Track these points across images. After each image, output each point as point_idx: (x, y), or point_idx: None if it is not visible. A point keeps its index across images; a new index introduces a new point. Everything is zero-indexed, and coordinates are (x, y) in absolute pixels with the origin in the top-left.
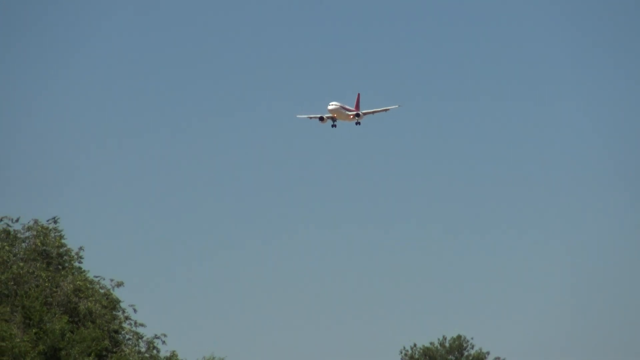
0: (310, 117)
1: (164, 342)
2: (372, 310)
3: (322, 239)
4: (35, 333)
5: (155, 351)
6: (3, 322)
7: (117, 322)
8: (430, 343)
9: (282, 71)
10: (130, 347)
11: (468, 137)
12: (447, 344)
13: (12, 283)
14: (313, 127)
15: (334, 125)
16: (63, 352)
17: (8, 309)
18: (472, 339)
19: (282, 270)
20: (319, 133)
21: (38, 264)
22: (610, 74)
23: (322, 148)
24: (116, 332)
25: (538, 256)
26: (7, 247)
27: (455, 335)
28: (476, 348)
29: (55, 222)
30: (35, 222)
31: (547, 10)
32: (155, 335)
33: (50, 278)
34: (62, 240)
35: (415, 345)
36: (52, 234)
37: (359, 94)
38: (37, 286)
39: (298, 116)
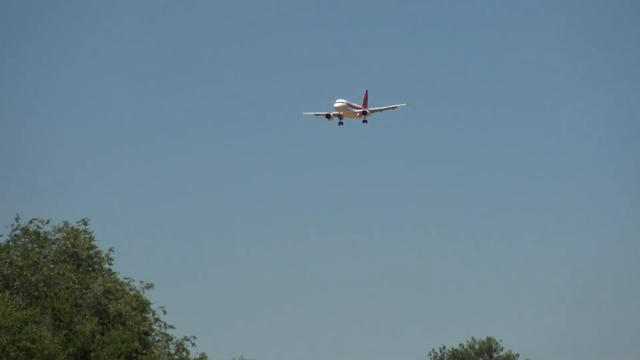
0: (317, 115)
1: (193, 344)
2: (399, 314)
3: (347, 242)
4: (65, 335)
5: (184, 353)
6: (33, 324)
7: (147, 323)
8: (460, 345)
9: (290, 71)
10: (160, 349)
11: (472, 140)
12: (476, 346)
13: (42, 285)
14: (320, 126)
15: (340, 123)
16: (93, 354)
17: (38, 310)
18: (501, 340)
19: (311, 273)
20: (325, 132)
21: (68, 266)
22: (611, 77)
23: (328, 150)
24: (146, 333)
25: (562, 258)
26: (37, 249)
27: (484, 338)
28: (505, 350)
29: (85, 223)
30: (66, 223)
31: (552, 14)
32: (185, 337)
33: (80, 280)
34: (92, 242)
35: (444, 347)
36: (82, 236)
37: (366, 92)
38: (67, 288)
39: (304, 113)
